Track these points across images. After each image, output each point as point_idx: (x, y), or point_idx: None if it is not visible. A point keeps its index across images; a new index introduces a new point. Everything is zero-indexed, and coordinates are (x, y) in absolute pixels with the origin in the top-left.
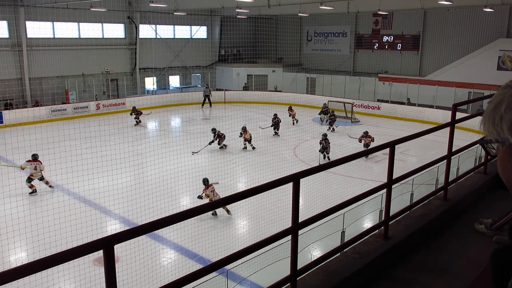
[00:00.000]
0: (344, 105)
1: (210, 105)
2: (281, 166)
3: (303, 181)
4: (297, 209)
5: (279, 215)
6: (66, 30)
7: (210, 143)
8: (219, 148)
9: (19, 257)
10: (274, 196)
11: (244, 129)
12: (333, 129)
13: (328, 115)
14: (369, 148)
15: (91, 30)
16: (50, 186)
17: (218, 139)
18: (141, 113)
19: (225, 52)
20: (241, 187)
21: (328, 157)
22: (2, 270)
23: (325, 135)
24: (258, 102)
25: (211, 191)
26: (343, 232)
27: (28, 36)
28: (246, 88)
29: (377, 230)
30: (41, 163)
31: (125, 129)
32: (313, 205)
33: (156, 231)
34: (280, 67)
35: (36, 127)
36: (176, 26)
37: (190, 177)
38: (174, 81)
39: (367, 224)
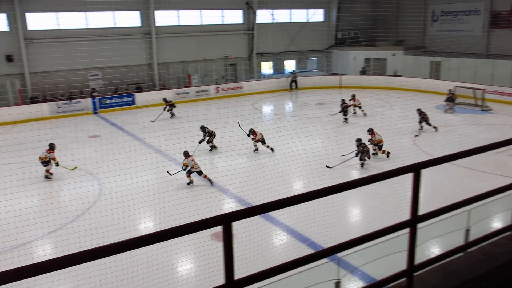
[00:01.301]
0: (474, 91)
1: (297, 88)
2: (402, 156)
3: (422, 172)
4: (417, 202)
5: (394, 206)
6: (190, 17)
7: (200, 142)
8: (209, 147)
9: (147, 226)
10: (390, 187)
11: (252, 131)
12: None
13: (453, 102)
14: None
15: (212, 17)
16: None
17: (208, 137)
18: (174, 105)
19: (342, 35)
20: (355, 175)
21: (364, 162)
22: (139, 235)
23: (359, 140)
24: (376, 87)
25: (192, 160)
26: (467, 231)
27: (157, 24)
28: (363, 72)
29: (510, 232)
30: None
31: (242, 112)
32: (433, 198)
33: (270, 213)
34: (400, 50)
35: (162, 108)
36: (292, 10)
37: (303, 162)
38: (290, 65)
39: (497, 224)
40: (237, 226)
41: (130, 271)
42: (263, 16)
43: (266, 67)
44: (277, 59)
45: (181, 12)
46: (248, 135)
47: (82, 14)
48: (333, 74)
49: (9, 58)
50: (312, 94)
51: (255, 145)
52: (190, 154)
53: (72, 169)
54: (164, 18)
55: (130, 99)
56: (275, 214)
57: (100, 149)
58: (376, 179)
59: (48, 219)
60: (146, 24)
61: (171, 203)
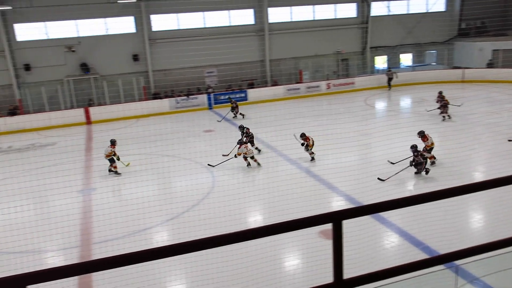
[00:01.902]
0: None
1: (389, 87)
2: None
3: None
4: None
5: None
6: (303, 13)
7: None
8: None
9: (257, 219)
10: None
11: (303, 136)
12: None
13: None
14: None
15: (325, 12)
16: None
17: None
18: (237, 106)
19: (467, 25)
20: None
21: (424, 171)
22: (249, 228)
23: (414, 147)
24: (505, 81)
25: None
26: None
27: (270, 21)
28: (490, 65)
29: None
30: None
31: (354, 108)
32: None
33: (381, 213)
34: None
35: (273, 104)
36: (410, 1)
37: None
38: (406, 59)
39: None
40: (345, 224)
41: (240, 262)
42: (378, 8)
43: (380, 62)
44: (392, 53)
45: (294, 8)
46: (302, 144)
47: (200, 14)
48: (455, 67)
49: (135, 58)
50: (429, 90)
51: (311, 154)
52: (243, 143)
53: (127, 165)
54: (277, 14)
55: (243, 95)
56: (387, 214)
57: (214, 143)
58: (506, 182)
59: (166, 208)
60: (259, 22)
61: (280, 198)
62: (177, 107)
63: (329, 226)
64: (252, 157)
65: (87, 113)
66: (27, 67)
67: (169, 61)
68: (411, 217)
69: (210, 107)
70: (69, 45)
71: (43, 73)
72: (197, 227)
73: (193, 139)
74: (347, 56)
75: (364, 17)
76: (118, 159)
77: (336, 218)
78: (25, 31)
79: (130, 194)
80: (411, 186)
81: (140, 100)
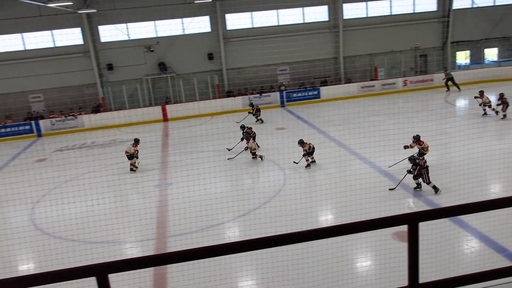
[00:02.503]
0: None
1: (448, 89)
2: None
3: None
4: None
5: None
6: (379, 8)
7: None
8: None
9: (328, 218)
10: None
11: (301, 143)
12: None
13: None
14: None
15: (402, 6)
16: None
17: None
18: (259, 110)
19: None
20: None
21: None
22: (321, 227)
23: (413, 159)
24: None
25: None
26: None
27: (344, 17)
28: None
29: None
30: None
31: (432, 106)
32: None
33: (460, 216)
34: None
35: (347, 102)
36: None
37: (501, 165)
38: (491, 54)
39: None
40: (421, 227)
41: (310, 261)
42: (460, 1)
43: (462, 57)
44: (476, 47)
45: (370, 3)
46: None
47: (273, 12)
48: None
49: (210, 56)
50: None
51: (307, 160)
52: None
53: (138, 164)
54: (351, 10)
55: (315, 92)
56: (467, 218)
57: (286, 140)
58: None
59: (238, 204)
60: (333, 18)
61: (353, 198)
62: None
63: (403, 228)
64: (255, 153)
65: (164, 111)
66: (110, 67)
67: (242, 59)
68: (494, 222)
69: (282, 104)
70: (148, 45)
71: (124, 72)
72: (268, 224)
73: (265, 136)
74: (426, 52)
75: (445, 11)
76: (137, 157)
77: (412, 220)
78: (108, 33)
79: (204, 189)
80: (496, 188)
81: (214, 98)
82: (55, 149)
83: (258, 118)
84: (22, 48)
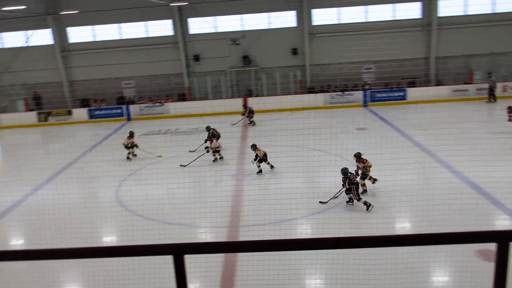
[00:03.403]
0: None
1: (489, 99)
2: None
3: None
4: None
5: None
6: (479, 5)
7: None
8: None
9: (405, 226)
10: None
11: (254, 147)
12: None
13: None
14: None
15: (507, 4)
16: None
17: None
18: (252, 112)
19: None
20: None
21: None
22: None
23: (344, 171)
24: None
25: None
26: None
27: (439, 15)
28: None
29: None
30: None
31: None
32: None
33: None
34: None
35: (436, 106)
36: None
37: None
38: None
39: None
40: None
41: (382, 268)
42: None
43: None
44: None
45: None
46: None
47: (362, 8)
48: None
49: (294, 51)
50: None
51: (258, 165)
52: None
53: (158, 156)
54: (448, 8)
55: (401, 94)
56: None
57: (367, 141)
58: None
59: (312, 202)
60: (427, 15)
61: (434, 208)
62: (331, 102)
63: (489, 246)
64: (218, 152)
65: (245, 103)
66: (197, 58)
67: (327, 56)
68: None
69: (365, 104)
70: (234, 38)
71: (210, 63)
72: (341, 225)
73: (345, 135)
74: None
75: None
76: (137, 146)
77: (503, 238)
78: (197, 25)
79: (279, 183)
80: None
81: (295, 93)
82: (142, 132)
83: (251, 120)
84: (118, 37)
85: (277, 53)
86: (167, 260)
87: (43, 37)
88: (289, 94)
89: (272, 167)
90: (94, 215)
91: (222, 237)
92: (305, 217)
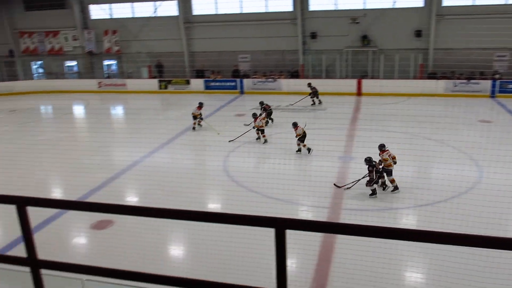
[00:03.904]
0: None
1: None
2: None
3: None
4: None
5: None
6: None
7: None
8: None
9: None
10: None
11: (294, 125)
12: None
13: None
14: None
15: None
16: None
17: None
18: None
19: None
20: None
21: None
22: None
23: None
24: None
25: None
26: None
27: None
28: None
29: None
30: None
31: None
32: None
33: None
34: None
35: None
36: None
37: None
38: None
39: None
40: None
41: (493, 272)
42: None
43: None
44: None
45: None
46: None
47: None
48: None
49: (418, 33)
50: None
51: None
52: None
53: (218, 134)
54: None
55: None
56: None
57: (490, 135)
58: None
59: (421, 193)
60: None
61: None
62: (453, 90)
63: None
64: (262, 131)
65: (359, 85)
66: (313, 35)
67: (454, 40)
68: None
69: (492, 94)
70: (354, 16)
71: (326, 42)
72: (452, 220)
73: (465, 127)
74: None
75: None
76: (202, 119)
77: None
78: (317, 1)
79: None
80: None
81: (414, 78)
82: (253, 106)
83: (314, 101)
84: (239, 11)
85: (399, 34)
86: (264, 233)
87: (169, 8)
88: (408, 78)
89: (309, 150)
90: (202, 181)
91: (322, 218)
92: (412, 207)
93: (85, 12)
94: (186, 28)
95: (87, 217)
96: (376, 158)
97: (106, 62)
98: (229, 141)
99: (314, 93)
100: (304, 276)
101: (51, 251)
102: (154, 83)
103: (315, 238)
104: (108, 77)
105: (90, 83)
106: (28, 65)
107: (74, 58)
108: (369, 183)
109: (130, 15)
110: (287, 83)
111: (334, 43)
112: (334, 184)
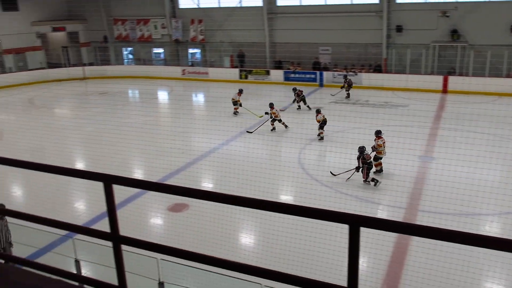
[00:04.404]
0: None
1: None
2: None
3: None
4: None
5: None
6: None
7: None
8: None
9: None
10: None
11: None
12: None
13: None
14: None
15: None
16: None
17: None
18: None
19: None
20: None
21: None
22: None
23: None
24: None
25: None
26: None
27: None
28: None
29: None
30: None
31: None
32: None
33: None
34: None
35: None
36: None
37: None
38: None
39: None
40: None
41: None
42: None
43: None
44: None
45: None
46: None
47: None
48: None
49: None
50: None
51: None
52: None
53: (260, 116)
54: None
55: None
56: None
57: None
58: None
59: (509, 199)
60: None
61: None
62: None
63: None
64: (280, 120)
65: (445, 82)
66: (399, 29)
67: None
68: None
69: None
70: (445, 9)
71: (412, 35)
72: None
73: None
74: None
75: None
76: (241, 105)
77: None
78: None
79: (470, 173)
80: None
81: (507, 76)
82: (331, 100)
83: (348, 92)
84: (323, 3)
85: (492, 29)
86: (336, 229)
87: None
88: (500, 76)
89: (320, 137)
90: (275, 172)
91: (397, 218)
92: (497, 214)
93: (174, 1)
94: (269, 19)
95: (165, 199)
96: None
97: (190, 50)
98: (248, 131)
99: (349, 85)
100: (375, 276)
101: (129, 229)
102: (235, 72)
103: (389, 238)
104: (192, 65)
105: (175, 70)
106: (119, 51)
107: (161, 45)
108: (356, 171)
109: (216, 5)
110: (367, 78)
111: (420, 37)
112: (331, 172)
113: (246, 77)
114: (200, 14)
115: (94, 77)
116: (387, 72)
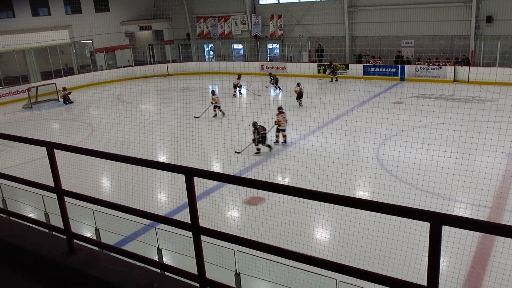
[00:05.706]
0: None
1: None
2: None
3: None
4: None
5: None
6: None
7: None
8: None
9: None
10: None
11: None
12: None
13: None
14: None
15: None
16: None
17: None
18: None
19: None
20: None
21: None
22: None
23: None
24: None
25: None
26: None
27: None
28: None
29: None
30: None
31: None
32: None
33: None
34: None
35: None
36: None
37: None
38: None
39: None
40: None
41: None
42: None
43: None
44: None
45: None
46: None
47: None
48: None
49: None
50: None
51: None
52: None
53: (259, 95)
54: None
55: None
56: None
57: None
58: None
59: None
60: None
61: None
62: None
63: None
64: (219, 107)
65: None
66: (489, 19)
67: None
68: None
69: None
70: None
71: (504, 26)
72: None
73: None
74: None
75: None
76: (241, 86)
77: None
78: None
79: None
80: None
81: None
82: (412, 94)
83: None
84: None
85: None
86: (415, 227)
87: None
88: None
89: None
90: (353, 167)
91: (482, 218)
92: None
93: None
94: (350, 12)
95: (242, 192)
96: None
97: (269, 46)
98: (236, 152)
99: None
100: (456, 277)
101: (207, 220)
102: (313, 67)
103: (472, 238)
104: (270, 61)
105: (254, 66)
106: (201, 47)
107: (241, 41)
108: (253, 142)
109: (295, 0)
110: (453, 71)
111: None
112: (235, 152)
113: (324, 72)
114: (280, 9)
115: (176, 73)
116: (474, 65)
